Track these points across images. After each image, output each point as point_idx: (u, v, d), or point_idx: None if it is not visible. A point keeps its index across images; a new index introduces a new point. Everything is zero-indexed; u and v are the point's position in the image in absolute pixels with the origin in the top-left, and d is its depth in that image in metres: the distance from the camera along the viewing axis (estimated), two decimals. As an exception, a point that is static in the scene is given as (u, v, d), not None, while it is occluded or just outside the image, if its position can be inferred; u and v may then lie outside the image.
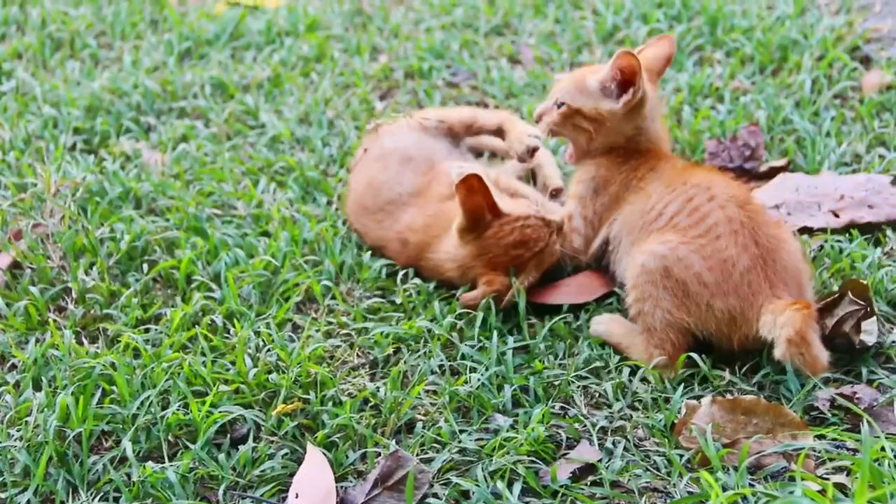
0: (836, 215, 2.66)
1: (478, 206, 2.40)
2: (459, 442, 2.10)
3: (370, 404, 2.22)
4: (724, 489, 1.91)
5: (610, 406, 2.20)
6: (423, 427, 2.15)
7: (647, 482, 2.01)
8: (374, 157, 2.73)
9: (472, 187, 2.37)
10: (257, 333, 2.39)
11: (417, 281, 2.53)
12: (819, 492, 1.84)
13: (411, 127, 2.79)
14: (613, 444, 2.10)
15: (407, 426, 2.17)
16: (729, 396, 2.17)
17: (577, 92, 2.48)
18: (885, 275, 2.44)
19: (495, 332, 2.33)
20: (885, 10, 3.59)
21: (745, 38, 3.48)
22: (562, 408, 2.20)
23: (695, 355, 2.27)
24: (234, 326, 2.40)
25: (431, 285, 2.51)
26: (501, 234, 2.43)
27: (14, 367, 2.38)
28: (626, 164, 2.49)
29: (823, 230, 2.63)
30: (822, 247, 2.57)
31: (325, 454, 2.08)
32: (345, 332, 2.43)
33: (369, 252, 2.64)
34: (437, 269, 2.52)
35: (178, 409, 2.16)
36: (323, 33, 3.81)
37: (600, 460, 2.05)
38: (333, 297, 2.53)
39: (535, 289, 2.48)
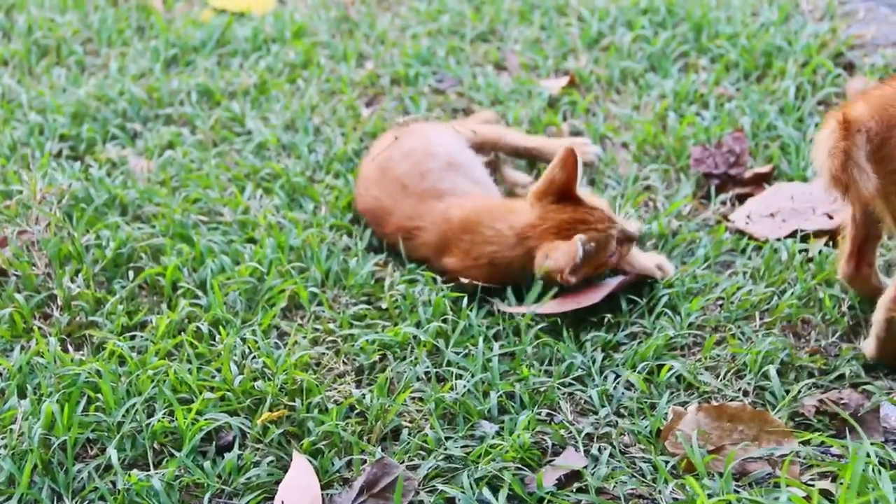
0: (831, 217, 2.68)
1: (561, 179, 2.48)
2: (445, 449, 2.10)
3: (356, 411, 2.22)
4: (710, 495, 1.92)
5: (596, 412, 2.21)
6: (409, 434, 2.15)
7: (632, 489, 2.01)
8: (419, 148, 2.80)
9: (570, 161, 2.46)
10: (243, 340, 2.39)
11: (402, 287, 2.53)
12: (804, 498, 1.85)
13: (449, 132, 2.91)
14: (599, 450, 2.10)
15: (393, 433, 2.17)
16: (715, 403, 2.18)
17: None
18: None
19: (481, 339, 2.33)
20: (869, 16, 3.61)
21: (730, 45, 3.49)
22: (548, 414, 2.20)
23: (676, 364, 2.28)
24: (219, 333, 2.40)
25: (417, 289, 2.52)
26: (564, 211, 2.49)
27: (-1, 374, 2.37)
28: None
29: (818, 233, 2.64)
30: (807, 250, 2.59)
31: (310, 461, 2.08)
32: (331, 338, 2.43)
33: (356, 258, 2.64)
34: (480, 244, 2.55)
35: (163, 417, 2.16)
36: (309, 40, 3.81)
37: (586, 467, 2.05)
38: (320, 304, 2.53)
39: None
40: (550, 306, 2.46)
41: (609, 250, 2.48)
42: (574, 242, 2.39)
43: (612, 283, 2.50)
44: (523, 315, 2.43)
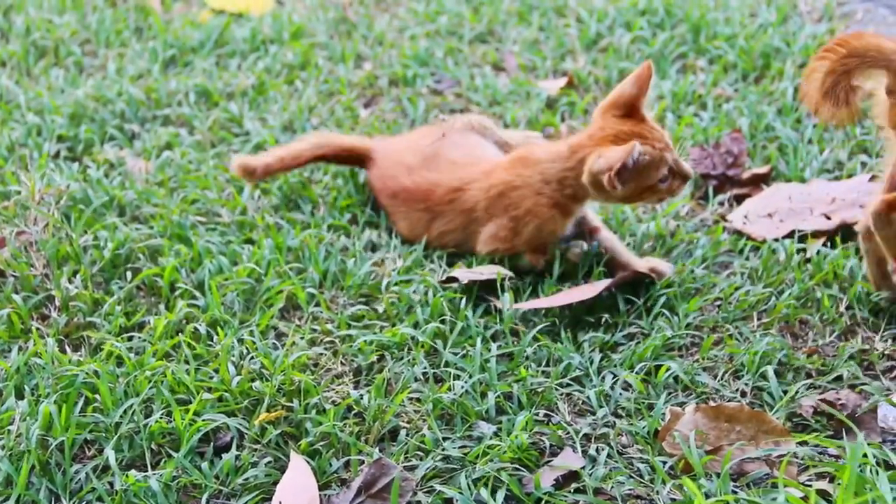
0: (828, 218, 2.68)
1: (631, 93, 2.51)
2: (443, 449, 2.10)
3: (354, 412, 2.22)
4: (707, 496, 1.92)
5: (593, 413, 2.21)
6: (407, 435, 2.15)
7: (630, 489, 2.01)
8: (466, 144, 2.84)
9: (644, 75, 2.51)
10: (241, 341, 2.39)
11: (397, 289, 2.53)
12: (802, 498, 1.85)
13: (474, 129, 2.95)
14: (597, 451, 2.10)
15: (390, 434, 2.17)
16: (712, 403, 2.18)
17: None
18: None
19: (479, 339, 2.33)
20: (867, 17, 3.61)
21: (728, 46, 3.49)
22: (545, 415, 2.20)
23: (673, 365, 2.28)
24: (217, 334, 2.40)
25: (412, 289, 2.52)
26: (625, 123, 2.50)
27: (-4, 375, 2.37)
28: None
29: (816, 233, 2.65)
30: (804, 250, 2.59)
31: (308, 462, 2.08)
32: (329, 339, 2.43)
33: (353, 259, 2.64)
34: (533, 165, 2.59)
35: (161, 418, 2.16)
36: (307, 41, 3.81)
37: (584, 467, 2.05)
38: (317, 305, 2.53)
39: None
40: (544, 302, 2.46)
41: (660, 173, 2.46)
42: (630, 143, 2.39)
43: (607, 280, 2.50)
44: (517, 311, 2.43)
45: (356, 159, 2.95)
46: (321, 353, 2.38)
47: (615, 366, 2.31)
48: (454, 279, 2.53)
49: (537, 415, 2.19)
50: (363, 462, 2.09)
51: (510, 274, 2.55)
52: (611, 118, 2.52)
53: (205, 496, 2.03)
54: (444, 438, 2.13)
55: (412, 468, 2.07)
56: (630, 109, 2.52)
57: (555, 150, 2.59)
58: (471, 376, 2.25)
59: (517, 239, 2.59)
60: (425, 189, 2.73)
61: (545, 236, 2.58)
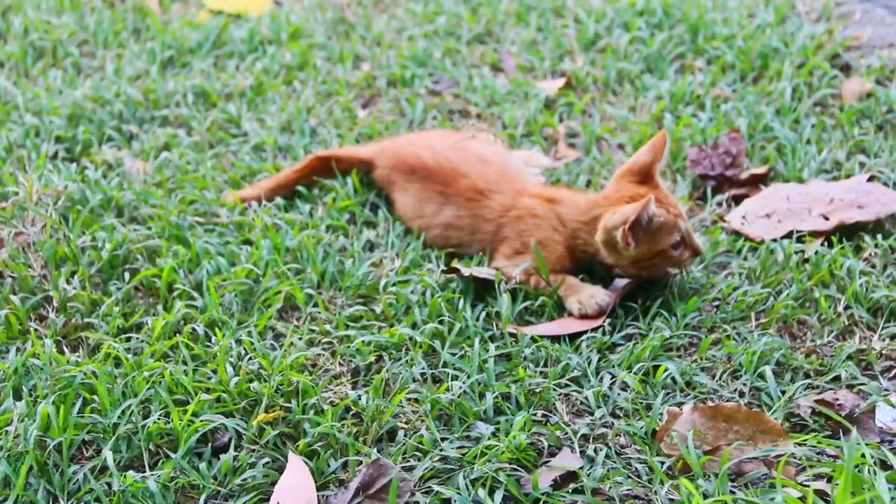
0: (826, 218, 2.68)
1: (647, 159, 2.54)
2: (441, 450, 2.10)
3: (352, 412, 2.22)
4: (705, 496, 1.92)
5: (591, 413, 2.21)
6: (405, 435, 2.15)
7: (628, 489, 2.01)
8: (496, 150, 2.89)
9: (659, 143, 2.54)
10: (239, 342, 2.39)
11: (395, 289, 2.53)
12: (800, 499, 1.85)
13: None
14: (595, 451, 2.10)
15: (388, 434, 2.17)
16: (710, 403, 2.18)
17: None
18: (865, 281, 2.46)
19: (477, 340, 2.33)
20: (865, 18, 3.61)
21: (727, 46, 3.49)
22: (543, 415, 2.20)
23: (671, 365, 2.28)
24: (215, 335, 2.40)
25: (410, 289, 2.51)
26: (641, 187, 2.52)
27: (-6, 376, 2.37)
28: None
29: (814, 233, 2.65)
30: (802, 251, 2.59)
31: (306, 463, 2.08)
32: (327, 340, 2.43)
33: (352, 259, 2.64)
34: (553, 203, 2.61)
35: (159, 418, 2.16)
36: (306, 42, 3.81)
37: (582, 468, 2.05)
38: (316, 305, 2.53)
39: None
40: (551, 328, 2.44)
41: (673, 238, 2.47)
42: (646, 197, 2.40)
43: (613, 295, 2.49)
44: (526, 336, 2.40)
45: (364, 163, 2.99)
46: (319, 354, 2.38)
47: (613, 366, 2.31)
48: (455, 270, 2.53)
49: (535, 415, 2.19)
50: (361, 462, 2.09)
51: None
52: (626, 184, 2.55)
53: (203, 497, 2.03)
54: (443, 439, 2.13)
55: (410, 469, 2.07)
56: (645, 176, 2.54)
57: (575, 199, 2.62)
58: (469, 377, 2.25)
59: (520, 258, 2.59)
60: (447, 173, 2.74)
61: (548, 265, 2.57)
